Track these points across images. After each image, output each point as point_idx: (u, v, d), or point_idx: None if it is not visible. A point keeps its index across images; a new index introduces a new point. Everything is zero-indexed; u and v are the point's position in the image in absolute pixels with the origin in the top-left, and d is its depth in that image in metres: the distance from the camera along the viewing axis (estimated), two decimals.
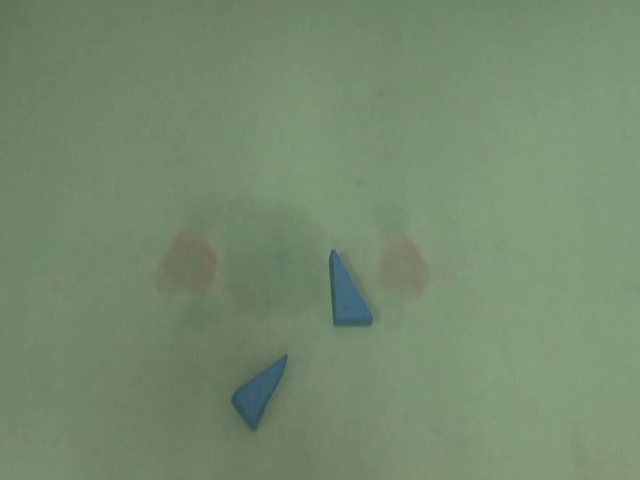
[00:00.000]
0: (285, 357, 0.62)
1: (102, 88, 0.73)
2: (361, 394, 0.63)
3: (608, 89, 0.74)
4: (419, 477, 0.60)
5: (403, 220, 0.69)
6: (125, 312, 0.64)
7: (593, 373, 0.64)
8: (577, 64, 0.75)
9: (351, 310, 0.63)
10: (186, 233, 0.68)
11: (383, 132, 0.72)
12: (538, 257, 0.68)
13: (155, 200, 0.69)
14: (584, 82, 0.75)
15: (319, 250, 0.67)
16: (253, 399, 0.59)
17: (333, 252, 0.64)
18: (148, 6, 0.77)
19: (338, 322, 0.63)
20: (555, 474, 0.61)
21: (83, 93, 0.73)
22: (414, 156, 0.71)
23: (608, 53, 0.76)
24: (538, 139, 0.72)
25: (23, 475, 0.60)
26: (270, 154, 0.71)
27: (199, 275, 0.66)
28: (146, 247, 0.67)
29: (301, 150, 0.71)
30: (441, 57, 0.75)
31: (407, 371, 0.63)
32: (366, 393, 0.63)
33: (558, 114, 0.73)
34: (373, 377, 0.63)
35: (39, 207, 0.68)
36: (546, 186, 0.71)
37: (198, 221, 0.68)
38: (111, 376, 0.62)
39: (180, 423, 0.61)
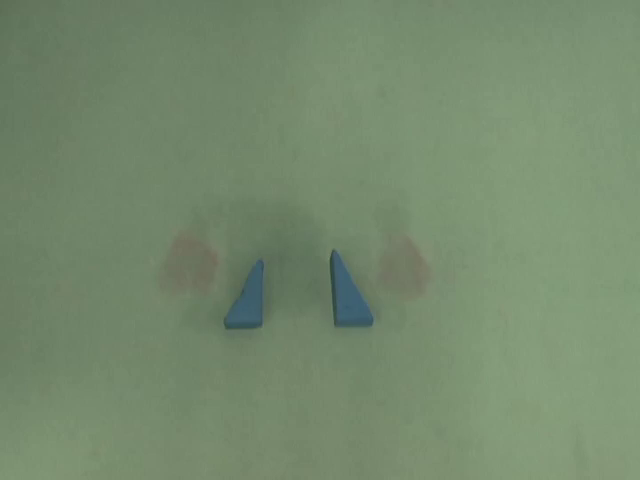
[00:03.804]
0: (260, 262, 0.64)
1: (102, 88, 0.73)
2: (361, 394, 0.63)
3: (608, 89, 0.74)
4: (419, 477, 0.61)
5: (404, 220, 0.69)
6: (126, 312, 0.64)
7: (594, 373, 0.64)
8: (577, 64, 0.75)
9: (352, 311, 0.63)
10: (187, 233, 0.67)
11: (384, 132, 0.72)
12: (538, 257, 0.68)
13: (156, 200, 0.69)
14: (584, 82, 0.75)
15: (320, 250, 0.67)
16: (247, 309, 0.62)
17: (334, 252, 0.64)
18: (148, 7, 0.77)
19: (339, 323, 0.63)
20: (556, 474, 0.61)
21: (83, 93, 0.73)
22: (415, 156, 0.71)
23: (609, 53, 0.76)
24: (538, 139, 0.72)
25: (23, 475, 0.60)
26: (271, 154, 0.71)
27: (200, 275, 0.66)
28: (147, 247, 0.67)
29: (302, 150, 0.71)
30: (442, 57, 0.75)
31: (407, 371, 0.63)
32: (366, 393, 0.63)
33: (558, 114, 0.73)
34: (373, 377, 0.63)
35: (39, 207, 0.68)
36: (546, 186, 0.71)
37: (199, 221, 0.68)
38: (111, 376, 0.62)
39: (180, 423, 0.61)
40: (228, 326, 0.62)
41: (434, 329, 0.65)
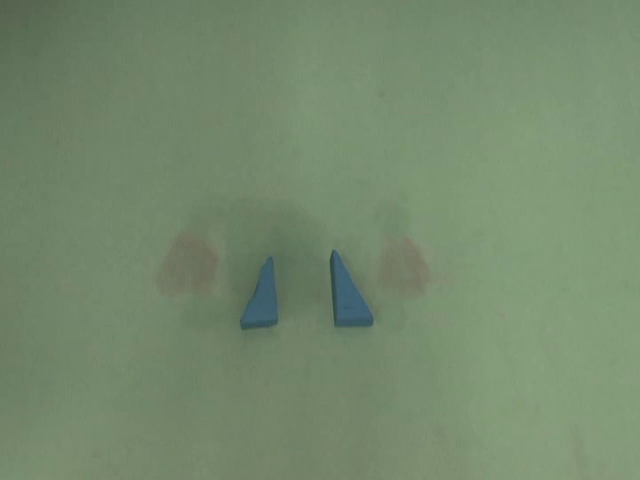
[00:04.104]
0: (270, 259, 0.64)
1: (103, 89, 0.73)
2: (361, 394, 0.63)
3: (609, 89, 0.74)
4: (419, 477, 0.61)
5: (404, 220, 0.69)
6: (126, 313, 0.64)
7: (593, 373, 0.64)
8: (578, 64, 0.75)
9: (352, 311, 0.63)
10: (187, 233, 0.67)
11: (384, 132, 0.72)
12: (538, 257, 0.68)
13: (156, 200, 0.69)
14: (585, 82, 0.75)
15: (320, 250, 0.67)
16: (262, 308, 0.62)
17: (334, 252, 0.64)
18: (149, 6, 0.77)
19: (339, 322, 0.63)
20: (556, 474, 0.61)
21: (84, 94, 0.73)
22: (415, 156, 0.71)
23: (609, 53, 0.76)
24: (539, 139, 0.72)
25: (23, 475, 0.60)
26: (271, 154, 0.71)
27: (200, 275, 0.66)
28: (147, 247, 0.67)
29: (302, 150, 0.71)
30: (442, 57, 0.75)
31: (407, 371, 0.63)
32: (366, 393, 0.63)
33: (559, 114, 0.73)
34: (373, 377, 0.63)
35: (39, 207, 0.68)
36: (546, 186, 0.71)
37: (199, 221, 0.68)
38: (111, 376, 0.62)
39: (180, 423, 0.61)
40: (244, 326, 0.63)
41: (434, 329, 0.65)
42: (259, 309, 0.62)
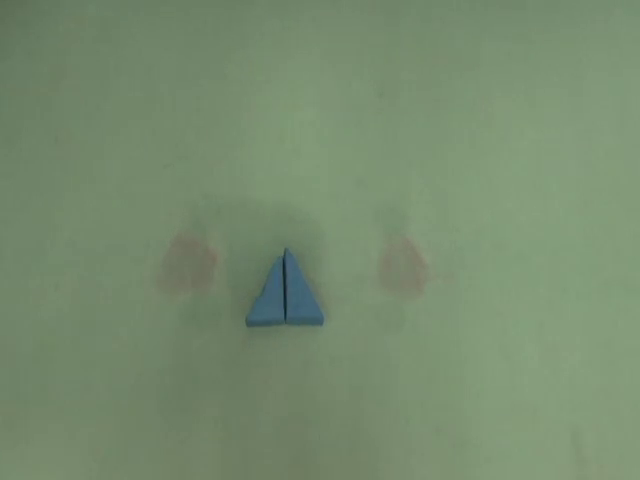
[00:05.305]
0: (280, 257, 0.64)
1: (102, 88, 0.73)
2: (361, 395, 0.63)
3: (608, 89, 0.74)
4: (419, 477, 0.61)
5: (403, 220, 0.69)
6: (125, 312, 0.64)
7: (593, 373, 0.64)
8: (577, 64, 0.75)
9: (302, 309, 0.62)
10: (186, 233, 0.67)
11: (383, 132, 0.72)
12: (538, 257, 0.68)
13: (155, 200, 0.69)
14: (584, 82, 0.75)
15: (319, 250, 0.67)
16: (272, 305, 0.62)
17: (286, 251, 0.64)
18: (148, 6, 0.77)
19: (289, 321, 0.63)
20: (555, 474, 0.61)
21: (83, 93, 0.73)
22: (414, 156, 0.71)
23: (609, 53, 0.76)
24: (538, 139, 0.72)
25: (23, 475, 0.60)
26: (270, 154, 0.71)
27: (199, 275, 0.66)
28: (146, 247, 0.67)
29: (301, 150, 0.71)
30: (441, 57, 0.75)
31: (407, 372, 0.63)
32: (366, 394, 0.63)
33: (558, 114, 0.73)
34: (373, 378, 0.63)
35: (39, 207, 0.68)
36: (546, 186, 0.71)
37: (198, 221, 0.68)
38: (111, 376, 0.62)
39: (180, 423, 0.61)
40: (249, 324, 0.63)
41: (433, 329, 0.65)
42: (266, 308, 0.62)
